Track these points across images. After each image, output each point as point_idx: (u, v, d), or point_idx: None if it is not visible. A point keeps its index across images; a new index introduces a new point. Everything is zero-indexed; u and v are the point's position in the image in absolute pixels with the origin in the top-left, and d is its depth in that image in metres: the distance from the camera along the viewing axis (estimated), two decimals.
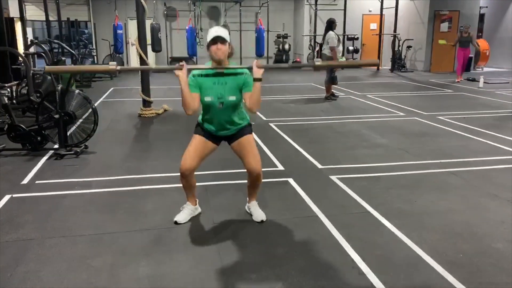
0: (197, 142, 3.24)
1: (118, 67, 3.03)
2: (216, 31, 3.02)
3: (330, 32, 9.23)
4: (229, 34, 3.14)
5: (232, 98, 3.11)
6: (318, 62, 3.20)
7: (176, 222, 3.37)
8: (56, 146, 5.37)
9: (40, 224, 3.41)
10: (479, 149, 5.55)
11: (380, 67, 16.28)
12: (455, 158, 5.13)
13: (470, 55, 14.15)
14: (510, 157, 5.16)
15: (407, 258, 2.90)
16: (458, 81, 12.56)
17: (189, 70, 3.10)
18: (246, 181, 3.46)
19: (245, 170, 3.33)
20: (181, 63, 3.02)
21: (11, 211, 3.65)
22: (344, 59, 10.61)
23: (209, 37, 3.01)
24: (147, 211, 3.65)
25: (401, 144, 5.78)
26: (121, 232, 3.28)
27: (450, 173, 4.61)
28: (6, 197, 3.93)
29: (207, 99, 3.11)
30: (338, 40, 9.29)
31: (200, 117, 3.31)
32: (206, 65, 3.14)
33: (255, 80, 3.03)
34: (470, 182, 4.35)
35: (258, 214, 3.45)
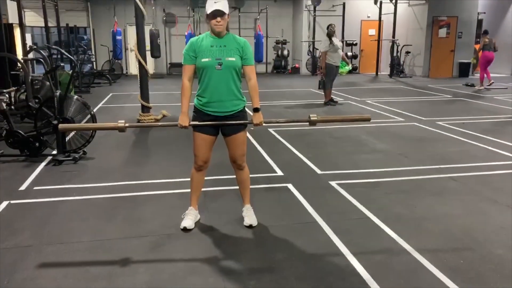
0: (199, 138, 3.26)
1: (127, 124, 3.17)
2: (215, 3, 3.01)
3: (326, 37, 9.28)
4: (227, 3, 3.12)
5: (232, 59, 3.11)
6: (314, 117, 3.25)
7: (185, 228, 3.35)
8: (54, 152, 5.35)
9: (38, 230, 3.39)
10: (478, 154, 5.55)
11: (378, 73, 16.33)
12: (454, 163, 5.12)
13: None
14: (509, 162, 5.15)
15: (407, 264, 2.88)
16: (482, 88, 11.99)
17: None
18: None
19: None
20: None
21: (9, 218, 3.63)
22: (349, 67, 10.59)
23: (208, 9, 3.03)
24: (146, 217, 3.63)
25: (400, 150, 5.78)
26: (120, 239, 3.26)
27: (450, 178, 4.60)
28: (4, 203, 3.91)
29: (204, 60, 3.09)
30: (331, 44, 9.17)
31: (195, 97, 3.26)
32: (205, 34, 3.20)
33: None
34: (470, 187, 4.34)
35: (248, 219, 3.44)
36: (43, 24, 12.67)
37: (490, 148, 5.79)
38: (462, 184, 4.44)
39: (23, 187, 4.35)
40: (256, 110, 3.23)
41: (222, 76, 3.12)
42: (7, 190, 4.27)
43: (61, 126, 3.33)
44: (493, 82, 12.12)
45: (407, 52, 15.91)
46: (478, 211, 3.76)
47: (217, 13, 3.01)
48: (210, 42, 3.12)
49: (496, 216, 3.65)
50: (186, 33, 15.60)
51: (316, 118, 3.25)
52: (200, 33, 15.91)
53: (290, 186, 4.36)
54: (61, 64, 9.45)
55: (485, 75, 12.14)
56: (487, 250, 3.06)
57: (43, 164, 5.10)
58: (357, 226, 3.47)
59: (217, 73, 3.11)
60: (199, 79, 3.21)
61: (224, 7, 3.03)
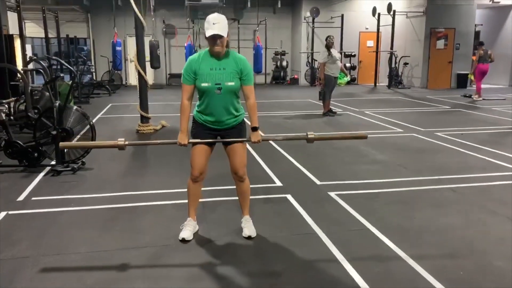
0: (198, 148, 3.29)
1: (126, 142, 3.14)
2: (214, 25, 2.99)
3: (324, 49, 9.34)
4: (227, 22, 3.10)
5: (231, 83, 3.12)
6: (312, 135, 3.26)
7: (183, 239, 3.33)
8: (53, 162, 5.34)
9: (36, 241, 3.37)
10: (477, 165, 5.55)
11: (377, 84, 16.39)
12: (453, 174, 5.12)
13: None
14: (509, 173, 5.15)
15: (407, 275, 2.86)
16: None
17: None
18: None
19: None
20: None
21: (6, 228, 3.61)
22: (347, 79, 10.66)
23: (207, 31, 3.01)
24: (144, 228, 3.62)
25: (399, 160, 5.78)
26: (118, 250, 3.24)
27: (449, 189, 4.59)
28: (2, 214, 3.89)
29: (204, 85, 3.11)
30: (330, 55, 9.27)
31: (195, 110, 3.30)
32: (204, 51, 3.18)
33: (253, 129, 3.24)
34: (469, 198, 4.34)
35: (247, 229, 3.43)
36: (43, 35, 12.75)
37: (489, 159, 5.79)
38: (462, 195, 4.44)
39: (21, 198, 4.33)
40: (254, 129, 3.25)
41: (222, 99, 3.15)
42: (5, 200, 4.25)
43: (61, 144, 3.37)
44: (479, 98, 12.21)
45: (405, 63, 15.99)
46: (477, 222, 3.75)
47: (216, 37, 3.01)
48: (210, 64, 3.11)
49: (496, 227, 3.64)
50: (185, 44, 15.68)
51: (313, 136, 3.27)
52: (199, 45, 16.10)
53: (289, 196, 4.35)
54: (61, 75, 9.48)
55: (481, 86, 12.24)
56: (487, 261, 3.05)
57: (41, 174, 5.09)
58: (356, 237, 3.46)
59: (216, 97, 3.14)
60: (199, 96, 3.24)
61: (223, 29, 3.02)
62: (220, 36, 3.00)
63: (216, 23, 3.00)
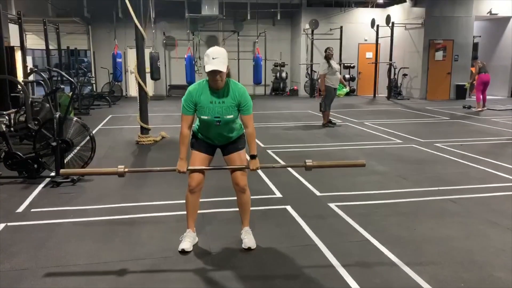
0: (197, 157, 3.33)
1: (126, 169, 3.20)
2: (213, 59, 3.01)
3: (324, 60, 9.42)
4: (227, 55, 3.13)
5: (230, 116, 3.17)
6: (310, 162, 3.30)
7: (183, 250, 3.32)
8: (52, 173, 5.34)
9: (35, 253, 3.36)
10: (477, 176, 5.54)
11: (376, 95, 16.44)
12: (453, 185, 5.12)
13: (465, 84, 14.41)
14: (509, 184, 5.15)
15: (407, 287, 2.85)
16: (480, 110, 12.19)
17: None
18: None
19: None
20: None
21: (5, 240, 3.59)
22: (347, 90, 10.71)
23: (206, 65, 3.03)
24: (143, 240, 3.60)
25: (399, 171, 5.77)
26: (116, 261, 3.22)
27: (449, 200, 4.58)
28: (1, 225, 3.88)
29: (204, 117, 3.17)
30: (330, 67, 9.35)
31: (195, 127, 3.36)
32: (204, 81, 3.20)
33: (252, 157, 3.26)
34: (469, 210, 4.33)
35: (247, 241, 3.42)
36: (44, 47, 12.80)
37: (489, 170, 5.79)
38: (462, 206, 4.43)
39: (20, 209, 4.32)
40: (252, 157, 3.27)
41: (220, 128, 3.23)
42: (4, 212, 4.24)
43: (62, 171, 3.49)
44: (484, 109, 12.24)
45: (404, 75, 16.07)
46: (478, 234, 3.74)
47: (216, 72, 3.03)
48: (209, 97, 3.15)
49: (496, 239, 3.62)
50: (185, 56, 15.77)
51: (311, 164, 3.32)
52: (199, 57, 16.19)
53: (288, 208, 4.34)
54: (61, 86, 9.52)
55: (481, 97, 12.28)
56: (487, 273, 3.04)
57: (41, 186, 5.08)
58: (356, 248, 3.45)
59: (215, 127, 3.21)
60: (199, 120, 3.30)
61: (223, 64, 3.03)
62: (220, 72, 3.03)
63: (216, 58, 3.01)
